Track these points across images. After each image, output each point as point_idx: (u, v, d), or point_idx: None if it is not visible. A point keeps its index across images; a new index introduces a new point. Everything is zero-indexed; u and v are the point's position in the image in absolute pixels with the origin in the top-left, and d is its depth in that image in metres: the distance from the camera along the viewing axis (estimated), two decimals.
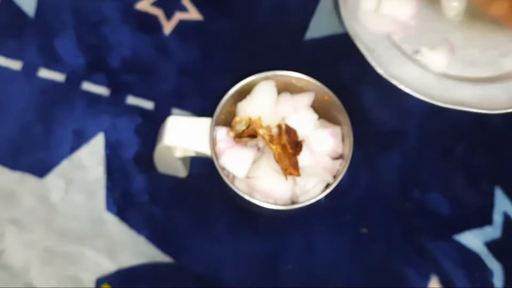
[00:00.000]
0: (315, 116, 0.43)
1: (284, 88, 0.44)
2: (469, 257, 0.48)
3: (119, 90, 0.51)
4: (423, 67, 0.43)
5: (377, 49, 0.42)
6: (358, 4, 0.44)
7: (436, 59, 0.43)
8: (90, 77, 0.51)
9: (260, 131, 0.41)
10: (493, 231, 0.49)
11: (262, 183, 0.41)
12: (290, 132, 0.42)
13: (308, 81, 0.43)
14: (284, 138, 0.41)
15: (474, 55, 0.44)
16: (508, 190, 0.50)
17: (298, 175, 0.41)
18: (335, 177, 0.42)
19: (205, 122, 0.42)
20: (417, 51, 0.43)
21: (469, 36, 0.43)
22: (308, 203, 0.40)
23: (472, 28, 0.44)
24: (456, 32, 0.44)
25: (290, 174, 0.41)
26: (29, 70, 0.51)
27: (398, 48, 0.43)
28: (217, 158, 0.41)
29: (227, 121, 0.43)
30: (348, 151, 0.42)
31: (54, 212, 0.48)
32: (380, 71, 0.41)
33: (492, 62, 0.43)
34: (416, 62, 0.43)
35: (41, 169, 0.49)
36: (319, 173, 0.42)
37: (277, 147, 0.41)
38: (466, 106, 0.42)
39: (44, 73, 0.51)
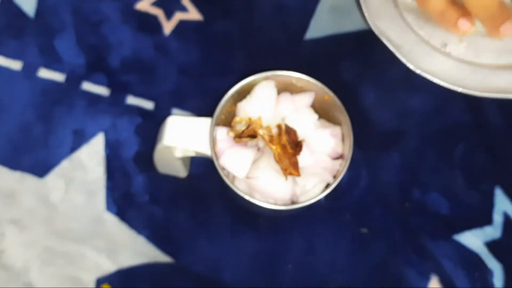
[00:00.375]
0: (315, 116, 0.43)
1: (284, 88, 0.44)
2: (469, 257, 0.48)
3: (119, 90, 0.51)
4: (455, 59, 0.42)
5: (405, 45, 0.41)
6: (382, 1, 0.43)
7: (467, 50, 0.42)
8: (90, 77, 0.51)
9: (260, 131, 0.41)
10: (493, 231, 0.49)
11: (262, 183, 0.41)
12: (290, 132, 0.42)
13: (308, 81, 0.43)
14: (284, 138, 0.41)
15: (504, 41, 0.42)
16: (508, 190, 0.50)
17: (298, 175, 0.41)
18: (335, 177, 0.42)
19: (205, 122, 0.42)
20: (445, 44, 0.42)
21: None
22: (308, 203, 0.40)
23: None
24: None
25: (290, 174, 0.41)
26: (29, 70, 0.51)
27: (427, 42, 0.42)
28: (217, 158, 0.41)
29: (227, 121, 0.43)
30: (348, 151, 0.42)
31: (54, 212, 0.48)
32: (410, 66, 0.40)
33: None
34: (447, 55, 0.42)
35: (41, 169, 0.49)
36: (319, 173, 0.42)
37: (277, 147, 0.41)
38: (505, 92, 0.41)
39: (44, 73, 0.51)
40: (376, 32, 0.39)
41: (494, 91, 0.40)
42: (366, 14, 0.39)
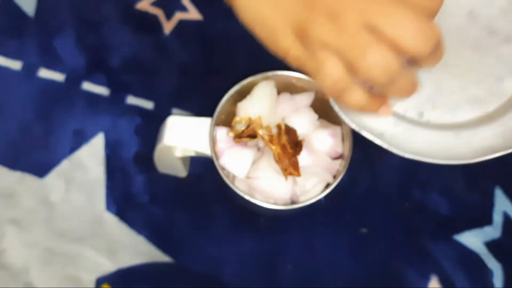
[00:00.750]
0: (315, 116, 0.43)
1: (284, 88, 0.44)
2: (469, 257, 0.48)
3: (119, 90, 0.51)
4: (436, 126, 0.40)
5: (386, 131, 0.40)
6: None
7: (443, 112, 0.40)
8: (90, 77, 0.51)
9: (260, 131, 0.41)
10: (493, 231, 0.49)
11: (262, 183, 0.41)
12: (290, 132, 0.42)
13: (308, 81, 0.43)
14: (284, 138, 0.41)
15: (474, 92, 0.41)
16: (508, 190, 0.50)
17: (298, 175, 0.41)
18: (335, 177, 0.42)
19: (205, 122, 0.42)
20: (422, 113, 0.41)
21: (457, 74, 0.41)
22: (308, 203, 0.41)
23: (454, 66, 0.42)
24: (443, 77, 0.41)
25: (290, 174, 0.41)
26: (29, 70, 0.51)
27: (403, 118, 0.40)
28: (217, 158, 0.41)
29: (227, 121, 0.43)
30: (348, 151, 0.42)
31: (54, 212, 0.48)
32: (399, 153, 0.39)
33: (493, 91, 0.41)
34: (427, 124, 0.40)
35: (41, 169, 0.49)
36: (319, 173, 0.42)
37: (276, 147, 0.41)
38: (493, 152, 0.39)
39: (44, 73, 0.51)
40: (356, 128, 0.39)
41: (482, 153, 0.39)
42: (340, 113, 0.38)
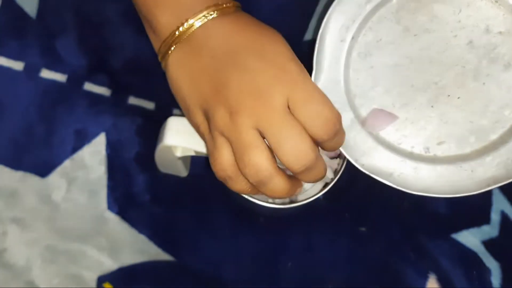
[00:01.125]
0: None
1: None
2: (467, 256, 0.48)
3: (120, 90, 0.51)
4: (442, 161, 0.41)
5: (395, 171, 0.41)
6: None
7: (449, 145, 0.41)
8: (91, 77, 0.51)
9: None
10: (490, 230, 0.49)
11: None
12: None
13: None
14: None
15: (478, 121, 0.41)
16: (506, 189, 0.50)
17: None
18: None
19: None
20: (427, 148, 0.42)
21: (460, 105, 0.41)
22: (307, 202, 0.41)
23: (457, 98, 0.41)
24: (447, 110, 0.41)
25: None
26: (31, 71, 0.52)
27: (411, 155, 0.41)
28: None
29: None
30: None
31: (56, 211, 0.48)
32: (409, 192, 0.40)
33: (496, 119, 0.41)
34: (434, 159, 0.41)
35: (43, 169, 0.49)
36: None
37: None
38: (496, 182, 0.40)
39: (46, 74, 0.52)
40: (365, 170, 0.40)
41: (486, 184, 0.39)
42: (348, 156, 0.40)
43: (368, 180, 0.50)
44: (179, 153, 0.43)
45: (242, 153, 0.34)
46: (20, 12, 0.53)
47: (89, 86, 0.51)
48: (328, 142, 0.35)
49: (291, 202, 0.42)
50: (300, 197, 0.42)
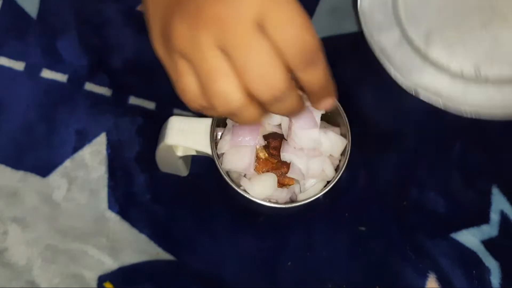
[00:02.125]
0: (319, 113, 0.43)
1: None
2: (466, 255, 0.49)
3: (121, 90, 0.51)
4: (496, 82, 0.40)
5: (443, 90, 0.39)
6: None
7: (502, 65, 0.40)
8: (92, 77, 0.52)
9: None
10: (490, 230, 0.49)
11: None
12: (269, 146, 0.42)
13: None
14: (262, 153, 0.42)
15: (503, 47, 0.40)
16: (505, 189, 0.50)
17: (292, 183, 0.41)
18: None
19: (205, 122, 0.42)
20: (479, 70, 0.40)
21: (496, 34, 0.40)
22: (307, 201, 0.41)
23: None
24: (501, 30, 0.40)
25: (288, 184, 0.41)
26: (32, 71, 0.52)
27: (460, 77, 0.40)
28: (217, 157, 0.42)
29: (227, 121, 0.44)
30: (346, 150, 0.42)
31: (57, 210, 0.49)
32: (459, 108, 0.39)
33: None
34: (486, 81, 0.40)
35: (44, 169, 0.49)
36: None
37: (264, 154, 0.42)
38: None
39: (47, 74, 0.52)
40: (411, 88, 0.37)
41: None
42: (392, 72, 0.37)
43: (368, 180, 0.50)
44: (180, 153, 0.43)
45: (207, 81, 0.29)
46: (21, 13, 0.53)
47: (89, 86, 0.51)
48: (304, 72, 0.30)
49: (292, 202, 0.42)
50: (300, 197, 0.42)
